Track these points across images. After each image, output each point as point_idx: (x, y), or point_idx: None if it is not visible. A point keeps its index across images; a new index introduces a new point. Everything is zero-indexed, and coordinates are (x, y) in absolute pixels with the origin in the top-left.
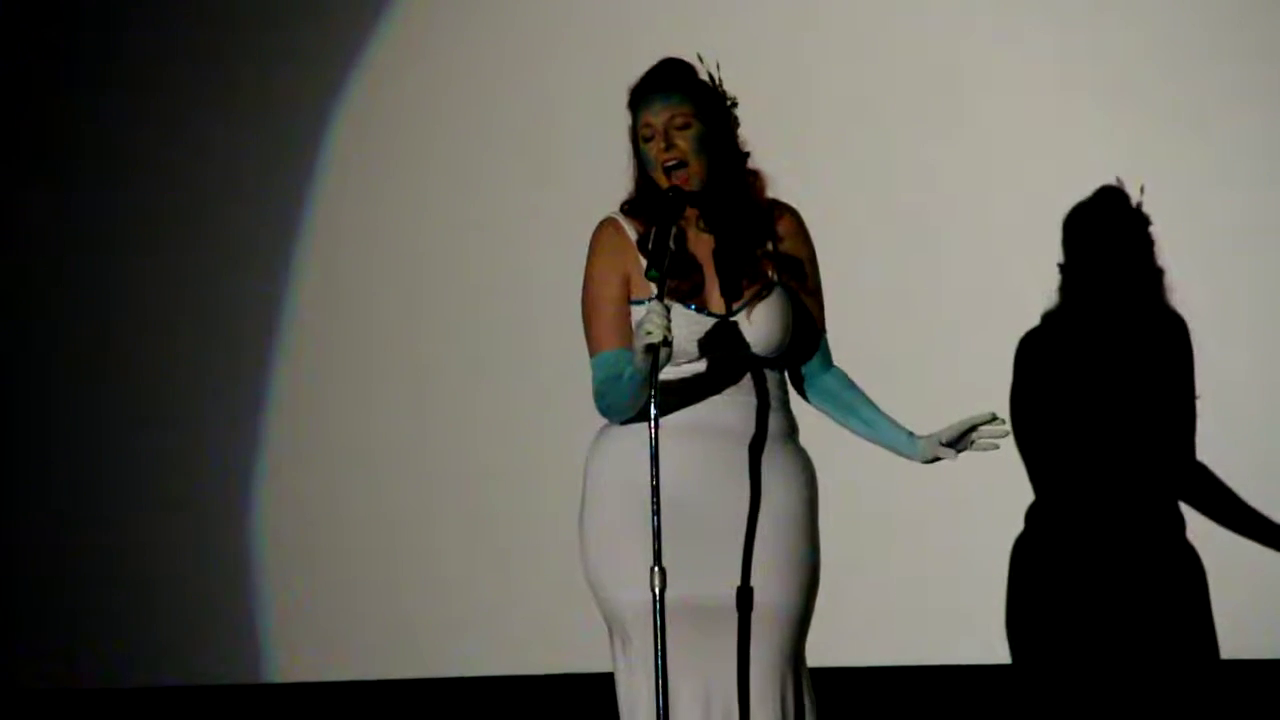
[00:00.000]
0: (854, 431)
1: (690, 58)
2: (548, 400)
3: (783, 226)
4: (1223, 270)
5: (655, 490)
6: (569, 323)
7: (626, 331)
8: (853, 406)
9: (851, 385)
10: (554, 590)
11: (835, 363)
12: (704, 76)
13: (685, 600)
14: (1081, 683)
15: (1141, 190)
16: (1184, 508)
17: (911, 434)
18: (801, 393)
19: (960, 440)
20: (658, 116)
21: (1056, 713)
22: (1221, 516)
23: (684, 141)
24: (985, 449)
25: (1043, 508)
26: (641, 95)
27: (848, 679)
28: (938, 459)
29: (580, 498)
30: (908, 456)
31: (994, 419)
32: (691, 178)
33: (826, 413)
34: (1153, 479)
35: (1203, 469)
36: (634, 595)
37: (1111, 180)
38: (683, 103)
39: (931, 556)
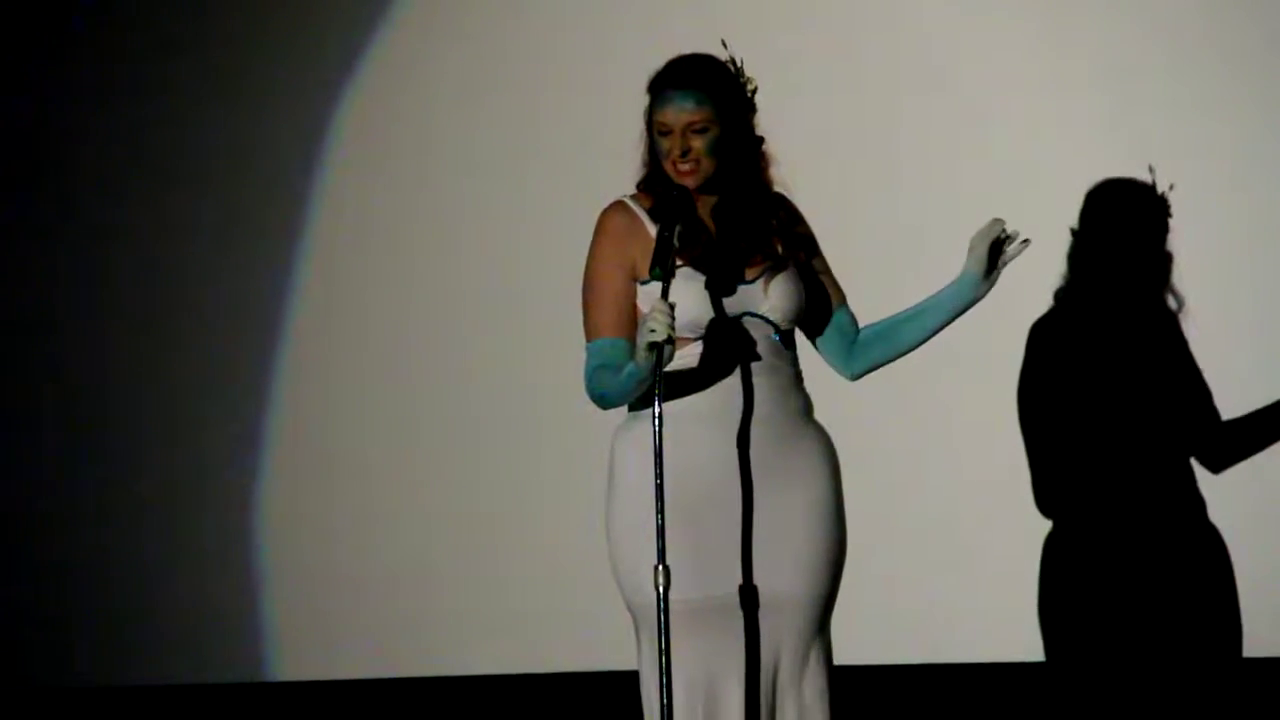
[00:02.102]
0: (916, 343)
1: (697, 48)
2: (549, 399)
3: (784, 212)
4: (1228, 268)
5: (659, 490)
6: (570, 321)
7: (625, 320)
8: (896, 327)
9: (879, 322)
10: (556, 589)
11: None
12: (725, 63)
13: (713, 595)
14: (1119, 677)
15: (1171, 187)
16: (1204, 490)
17: (956, 282)
18: (848, 369)
19: (994, 251)
20: (675, 117)
21: (1089, 708)
22: (1263, 438)
23: (699, 144)
24: (1015, 254)
25: (1071, 501)
26: (661, 89)
27: (853, 678)
28: (992, 271)
29: (606, 488)
30: (974, 297)
31: (995, 221)
32: (702, 175)
33: (879, 359)
34: (1173, 462)
35: (1225, 425)
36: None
37: (1124, 172)
38: (702, 105)
39: (942, 553)
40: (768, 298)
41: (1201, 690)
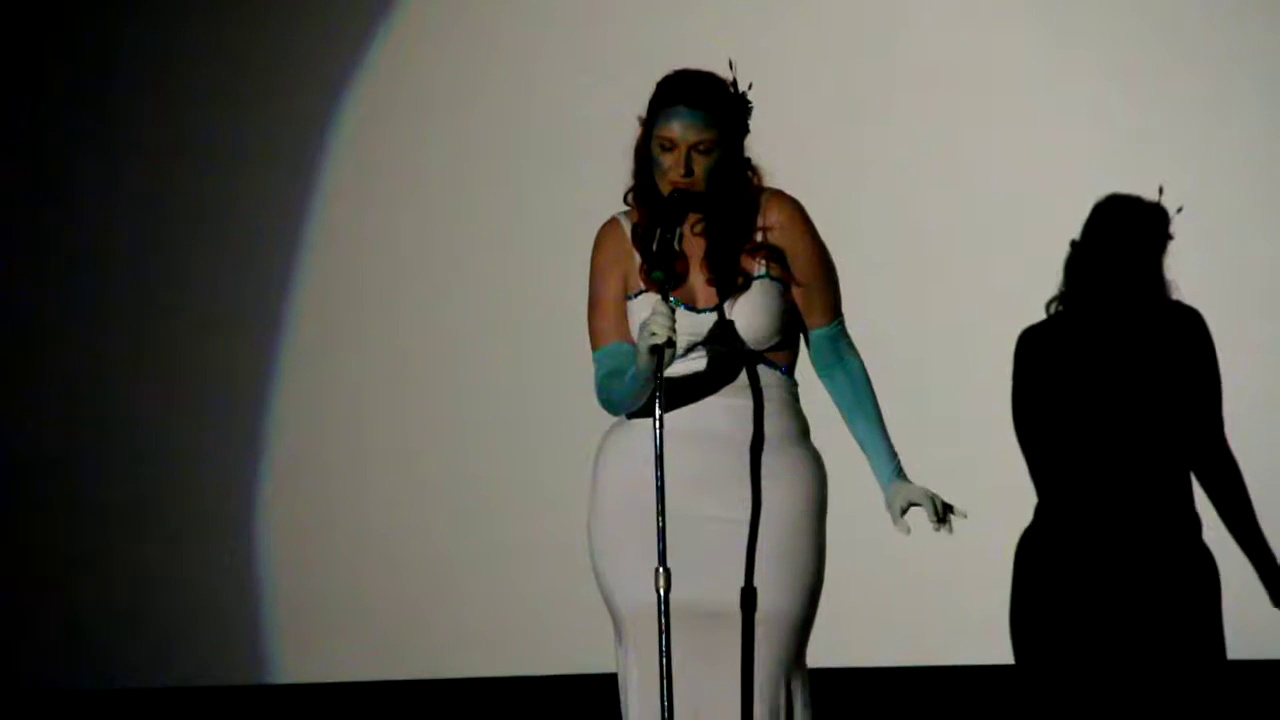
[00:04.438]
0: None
1: (696, 53)
2: (549, 401)
3: (773, 216)
4: (1226, 271)
5: (660, 490)
6: (569, 324)
7: (626, 327)
8: (851, 415)
9: (861, 390)
10: (555, 592)
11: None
12: (730, 84)
13: (680, 607)
14: (1084, 684)
15: (1179, 210)
16: (1199, 507)
17: (895, 471)
18: (818, 376)
19: (919, 508)
20: (683, 134)
21: (1059, 715)
22: (1224, 518)
23: (701, 167)
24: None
25: (1051, 506)
26: (671, 102)
27: (848, 679)
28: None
29: (588, 497)
30: (881, 487)
31: (941, 519)
32: (695, 191)
33: (836, 405)
34: (1165, 478)
35: (1230, 463)
36: (633, 597)
37: (1127, 177)
38: (709, 127)
39: (932, 557)
40: (738, 319)
41: (1169, 702)
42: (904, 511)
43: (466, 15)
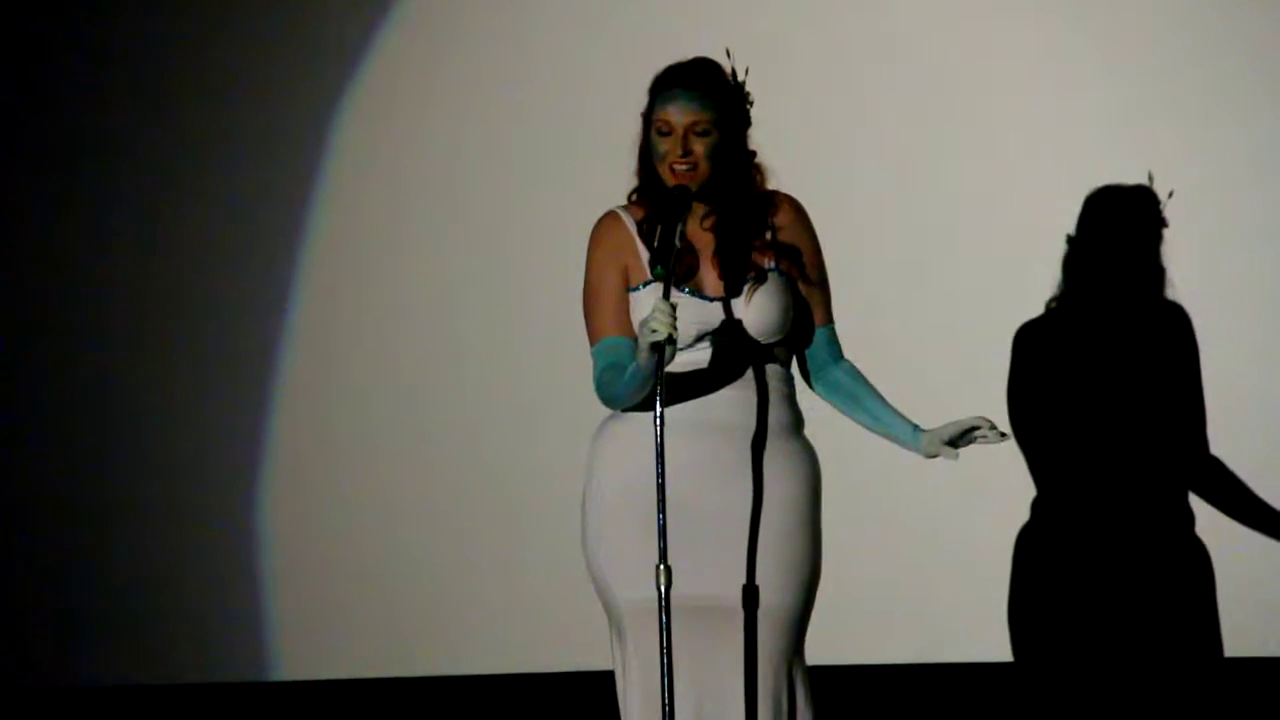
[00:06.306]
0: (860, 424)
1: (695, 52)
2: (548, 399)
3: (782, 216)
4: (1230, 269)
5: (661, 489)
6: (570, 319)
7: (626, 320)
8: (857, 399)
9: (859, 378)
10: (555, 590)
11: (845, 355)
12: (729, 73)
13: (679, 600)
14: (1083, 679)
15: (1170, 195)
16: (1194, 502)
17: (916, 427)
18: (810, 384)
19: (961, 439)
20: (679, 116)
21: (1058, 710)
22: (1233, 510)
23: (700, 148)
24: (986, 442)
25: (1048, 501)
26: (667, 87)
27: (848, 677)
28: (938, 455)
29: (583, 490)
30: (911, 449)
31: (992, 426)
32: (698, 178)
33: (834, 405)
34: (1160, 472)
35: (1216, 462)
36: (631, 594)
37: (1127, 175)
38: (706, 108)
39: (933, 553)
40: (749, 313)
41: (1167, 697)
42: (954, 444)
43: (467, 14)
